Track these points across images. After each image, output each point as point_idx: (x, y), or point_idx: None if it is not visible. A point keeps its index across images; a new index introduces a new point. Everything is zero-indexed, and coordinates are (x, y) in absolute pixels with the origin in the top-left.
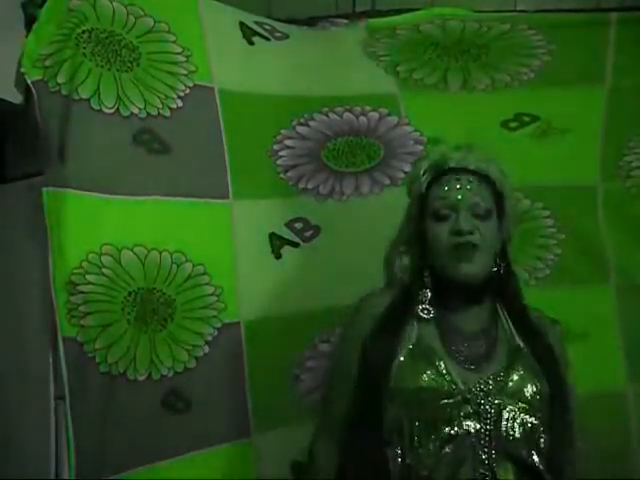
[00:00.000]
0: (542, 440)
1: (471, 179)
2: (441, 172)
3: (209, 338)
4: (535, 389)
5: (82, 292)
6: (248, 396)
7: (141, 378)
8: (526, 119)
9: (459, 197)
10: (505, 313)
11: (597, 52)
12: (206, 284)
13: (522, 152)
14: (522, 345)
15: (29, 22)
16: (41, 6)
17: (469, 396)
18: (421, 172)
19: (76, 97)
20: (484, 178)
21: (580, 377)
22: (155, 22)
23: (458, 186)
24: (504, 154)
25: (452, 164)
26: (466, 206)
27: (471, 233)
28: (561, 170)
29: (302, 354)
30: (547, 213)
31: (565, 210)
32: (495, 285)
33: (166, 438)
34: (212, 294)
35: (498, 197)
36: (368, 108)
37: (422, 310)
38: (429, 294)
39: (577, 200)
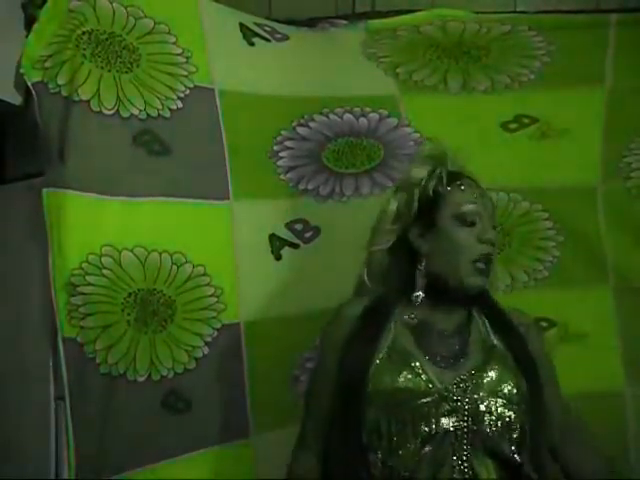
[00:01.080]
0: (521, 434)
1: (484, 190)
2: (454, 176)
3: (209, 339)
4: (512, 385)
5: (82, 293)
6: (247, 397)
7: (141, 379)
8: (526, 120)
9: (486, 205)
10: (481, 315)
11: (597, 53)
12: (206, 285)
13: (522, 153)
14: (497, 343)
15: (29, 23)
16: (41, 7)
17: (446, 394)
18: (439, 170)
19: (76, 98)
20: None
21: (578, 377)
22: (155, 23)
23: (483, 193)
24: (504, 155)
25: (451, 168)
26: (489, 215)
27: (493, 245)
28: (560, 172)
29: (302, 355)
30: (546, 215)
31: (564, 212)
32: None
33: (166, 438)
34: (212, 295)
35: None
36: (368, 109)
37: (409, 315)
38: (421, 295)
39: (576, 202)
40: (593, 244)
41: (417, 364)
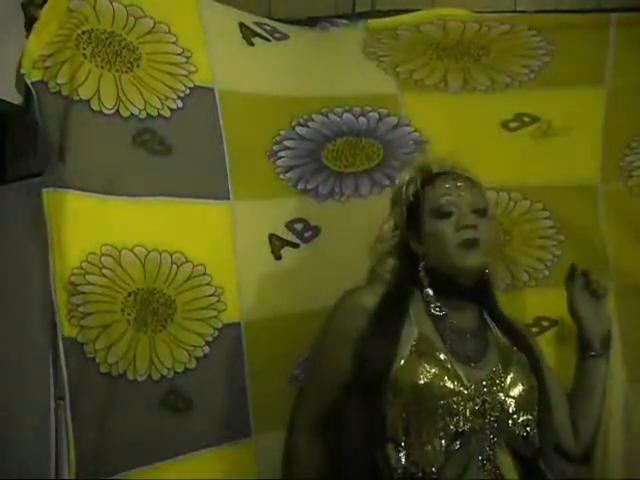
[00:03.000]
0: (535, 433)
1: (464, 180)
2: (432, 175)
3: (209, 338)
4: (529, 386)
5: (82, 292)
6: (248, 396)
7: (141, 379)
8: (526, 119)
9: (462, 194)
10: (488, 316)
11: (597, 52)
12: (206, 285)
13: (522, 153)
14: (509, 345)
15: (29, 22)
16: (41, 6)
17: (474, 393)
18: (413, 175)
19: (76, 98)
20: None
21: None
22: (155, 23)
23: (458, 184)
24: (504, 154)
25: (436, 170)
26: (467, 203)
27: (475, 227)
28: (561, 171)
29: (302, 354)
30: (547, 214)
31: (565, 211)
32: (481, 287)
33: (166, 438)
34: (212, 295)
35: None
36: (368, 108)
37: (434, 308)
38: (431, 292)
39: (577, 201)
40: (594, 243)
41: (447, 362)
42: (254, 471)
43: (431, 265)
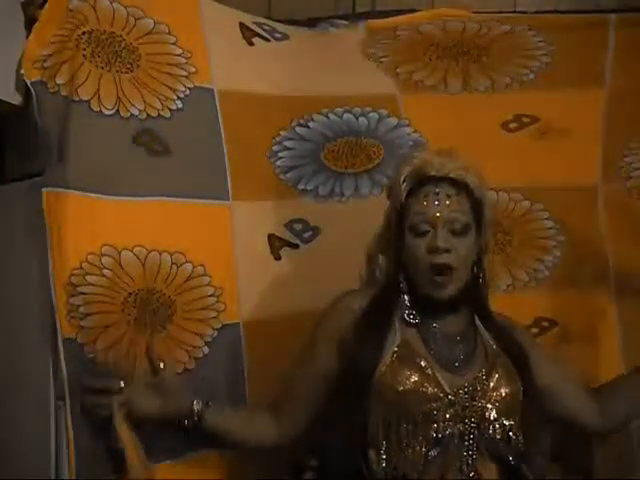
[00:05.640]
0: (519, 438)
1: (450, 192)
2: (420, 181)
3: (208, 339)
4: (513, 391)
5: (82, 293)
6: (247, 397)
7: None
8: (526, 120)
9: (437, 214)
10: (478, 319)
11: (597, 53)
12: (206, 285)
13: (522, 153)
14: (497, 349)
15: (29, 22)
16: (41, 6)
17: (454, 399)
18: (401, 180)
19: (76, 98)
20: (463, 187)
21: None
22: (155, 23)
23: (437, 202)
24: (504, 155)
25: (432, 172)
26: (443, 222)
27: (447, 251)
28: (561, 171)
29: None
30: (547, 214)
31: (565, 212)
32: (470, 293)
33: (166, 438)
34: (212, 295)
35: (476, 205)
36: (368, 109)
37: (408, 315)
38: (407, 300)
39: (577, 201)
40: (594, 244)
41: (428, 368)
42: (254, 471)
43: (408, 275)
